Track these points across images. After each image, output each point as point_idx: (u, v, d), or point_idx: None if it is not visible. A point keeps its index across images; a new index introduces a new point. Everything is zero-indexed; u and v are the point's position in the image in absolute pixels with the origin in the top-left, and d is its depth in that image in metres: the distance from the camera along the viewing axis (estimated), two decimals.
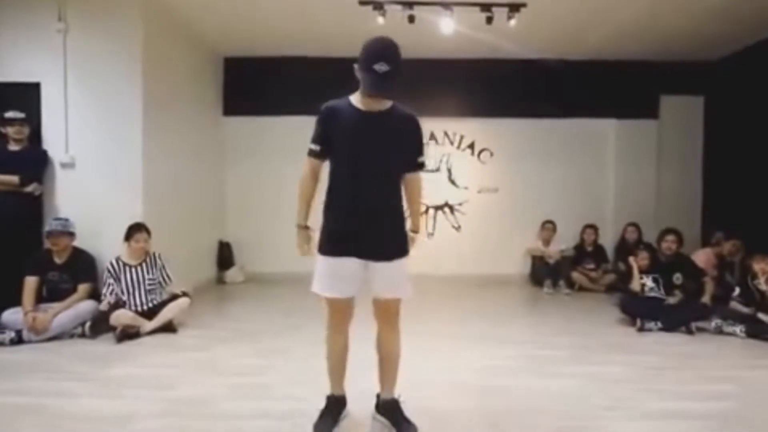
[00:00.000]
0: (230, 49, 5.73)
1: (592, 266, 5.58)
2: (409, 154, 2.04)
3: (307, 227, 2.07)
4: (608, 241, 5.81)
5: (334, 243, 1.96)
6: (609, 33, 5.03)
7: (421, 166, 2.11)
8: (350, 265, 1.95)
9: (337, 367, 2.13)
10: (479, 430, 2.15)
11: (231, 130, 6.00)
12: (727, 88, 5.69)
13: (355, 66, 1.90)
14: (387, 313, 2.06)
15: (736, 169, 5.44)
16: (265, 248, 5.97)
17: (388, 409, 2.13)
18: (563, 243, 5.71)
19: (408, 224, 2.11)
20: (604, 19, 4.70)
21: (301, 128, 5.75)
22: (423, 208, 2.29)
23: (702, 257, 4.61)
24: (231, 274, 5.77)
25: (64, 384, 2.65)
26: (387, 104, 1.99)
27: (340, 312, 2.05)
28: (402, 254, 2.01)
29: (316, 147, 2.00)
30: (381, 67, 1.82)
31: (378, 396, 2.21)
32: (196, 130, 5.22)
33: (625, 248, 5.31)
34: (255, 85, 5.94)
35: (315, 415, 2.13)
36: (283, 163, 5.96)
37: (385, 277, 1.98)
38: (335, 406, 2.15)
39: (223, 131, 5.96)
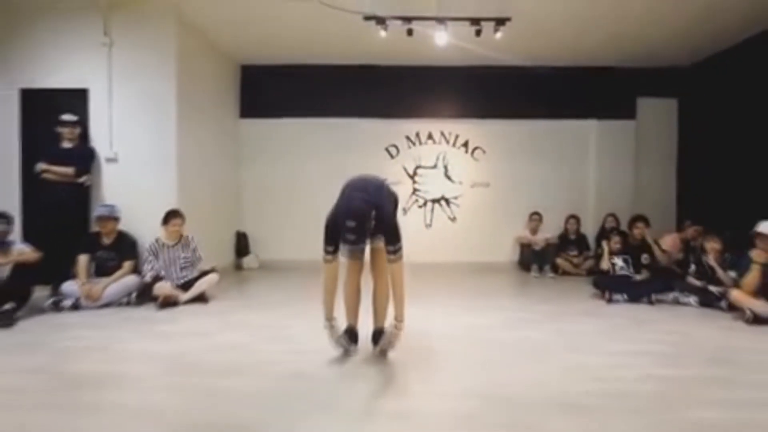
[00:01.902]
0: (246, 58, 6.34)
1: (574, 253, 6.14)
2: (386, 239, 2.57)
3: (334, 319, 2.68)
4: (590, 230, 6.36)
5: None
6: (588, 43, 5.63)
7: (394, 260, 2.56)
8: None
9: (351, 303, 2.80)
10: (467, 364, 2.71)
11: (246, 131, 6.60)
12: (698, 91, 6.25)
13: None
14: (378, 259, 2.71)
15: (707, 165, 5.99)
16: (278, 238, 6.56)
17: (375, 335, 2.78)
18: (549, 232, 6.26)
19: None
20: (583, 31, 5.29)
21: (309, 129, 6.56)
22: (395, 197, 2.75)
23: (669, 241, 5.17)
24: (247, 261, 6.35)
25: (122, 334, 3.23)
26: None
27: (353, 259, 2.77)
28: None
29: (329, 248, 2.57)
30: (350, 223, 2.31)
31: None
32: (218, 130, 5.83)
33: (604, 236, 5.84)
34: (268, 90, 6.54)
35: (332, 351, 2.72)
36: (293, 161, 6.60)
37: (377, 236, 2.67)
38: (351, 333, 2.79)
39: (239, 132, 6.56)
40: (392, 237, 2.56)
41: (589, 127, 6.58)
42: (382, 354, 2.72)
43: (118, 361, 2.73)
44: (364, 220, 2.36)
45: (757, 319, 3.51)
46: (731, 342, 3.15)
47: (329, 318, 2.67)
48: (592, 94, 6.50)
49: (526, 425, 1.93)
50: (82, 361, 2.69)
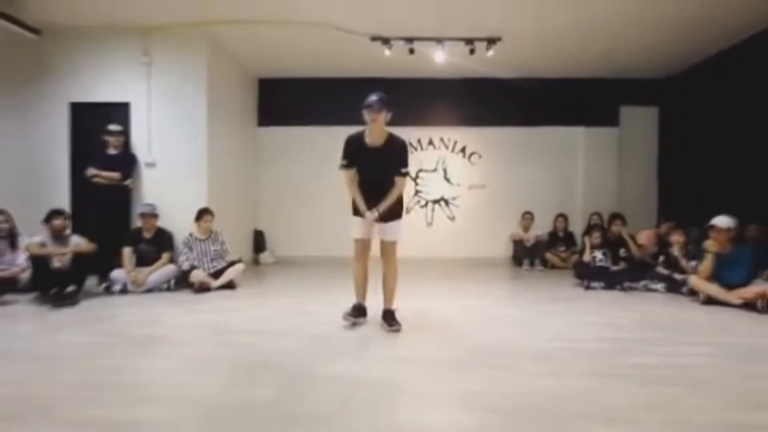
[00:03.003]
0: (263, 72, 6.97)
1: (563, 249, 6.72)
2: (397, 167, 3.17)
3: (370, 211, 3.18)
4: (577, 228, 6.93)
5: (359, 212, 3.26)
6: (575, 57, 6.21)
7: (403, 174, 3.18)
8: (367, 222, 3.24)
9: (359, 283, 3.35)
10: (460, 330, 3.29)
11: (264, 138, 7.23)
12: (677, 100, 6.81)
13: (363, 112, 3.06)
14: (387, 250, 3.30)
15: (685, 168, 6.55)
16: (292, 236, 7.18)
17: (385, 314, 3.33)
18: (539, 230, 6.83)
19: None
20: (570, 47, 5.88)
21: (321, 137, 7.22)
22: (401, 198, 3.30)
23: (644, 236, 5.73)
24: (264, 256, 6.96)
25: (169, 310, 3.84)
26: (383, 139, 3.12)
27: (361, 247, 3.31)
28: (396, 218, 3.26)
29: (344, 162, 3.22)
30: (373, 96, 3.02)
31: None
32: (240, 138, 6.47)
33: (588, 232, 6.41)
34: (284, 100, 7.18)
35: (347, 323, 3.32)
36: (306, 166, 7.21)
37: (386, 228, 3.27)
38: (359, 309, 3.36)
39: (257, 139, 7.19)
40: (404, 159, 3.17)
41: (577, 133, 7.15)
42: (392, 331, 3.27)
43: (170, 328, 3.34)
44: (383, 99, 3.02)
45: (710, 300, 4.09)
46: (681, 317, 3.72)
47: (365, 213, 3.18)
48: (579, 104, 7.07)
49: (504, 366, 2.52)
50: (141, 328, 3.30)
